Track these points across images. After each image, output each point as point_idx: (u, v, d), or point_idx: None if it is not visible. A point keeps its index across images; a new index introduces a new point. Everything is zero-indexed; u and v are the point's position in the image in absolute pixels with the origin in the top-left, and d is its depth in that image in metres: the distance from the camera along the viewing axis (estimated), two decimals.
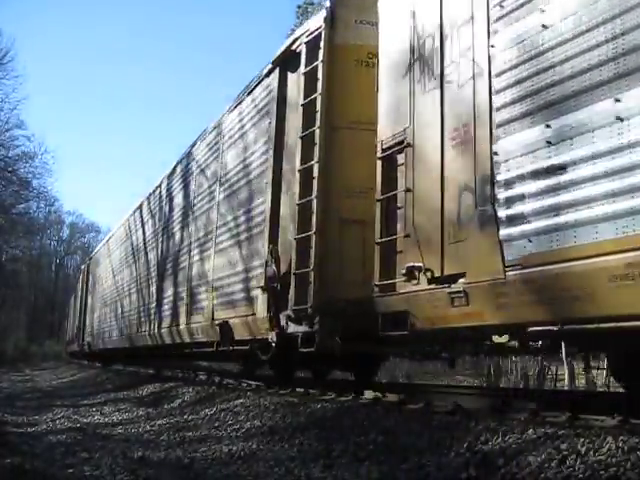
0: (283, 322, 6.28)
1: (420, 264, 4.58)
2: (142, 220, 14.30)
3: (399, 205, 5.02)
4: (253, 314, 7.02)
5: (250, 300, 7.19)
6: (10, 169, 28.87)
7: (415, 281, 4.64)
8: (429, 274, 4.53)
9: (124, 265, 15.95)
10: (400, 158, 5.08)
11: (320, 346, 5.72)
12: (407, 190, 4.87)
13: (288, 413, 5.44)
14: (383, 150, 5.28)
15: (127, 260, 15.58)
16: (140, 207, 14.73)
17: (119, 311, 15.84)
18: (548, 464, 2.87)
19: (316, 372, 8.79)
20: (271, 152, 7.03)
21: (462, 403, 4.77)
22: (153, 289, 12.37)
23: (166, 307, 11.19)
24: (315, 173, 5.98)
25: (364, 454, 3.87)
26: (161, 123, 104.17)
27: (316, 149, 6.00)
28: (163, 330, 11.19)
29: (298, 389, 7.35)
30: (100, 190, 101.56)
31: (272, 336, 6.43)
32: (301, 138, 6.27)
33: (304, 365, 8.44)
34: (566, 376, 14.47)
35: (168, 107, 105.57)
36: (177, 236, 11.06)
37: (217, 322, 8.01)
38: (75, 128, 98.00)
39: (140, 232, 14.20)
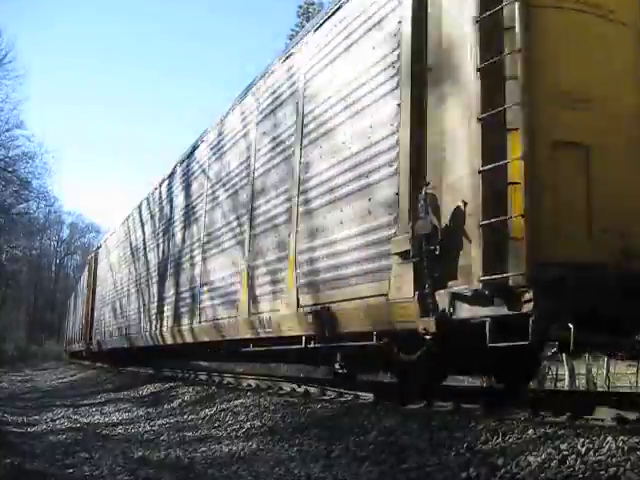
0: (444, 303, 4.13)
1: None
2: (173, 190, 11.65)
3: None
4: (382, 294, 4.73)
5: (376, 274, 4.88)
6: (10, 169, 28.91)
7: None
8: None
9: (147, 248, 13.07)
10: None
11: (538, 336, 3.62)
12: None
13: (288, 413, 5.45)
14: None
15: (150, 243, 12.81)
16: (169, 177, 12.09)
17: (138, 304, 13.15)
18: (548, 464, 2.88)
19: (429, 376, 5.98)
20: (406, 57, 4.75)
21: (462, 403, 4.78)
22: (189, 274, 9.50)
23: (214, 294, 8.38)
24: (513, 70, 3.95)
25: (364, 454, 3.87)
26: (162, 123, 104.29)
27: (510, 37, 4.03)
28: (200, 325, 8.62)
29: (298, 390, 7.38)
30: (100, 190, 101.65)
31: (429, 325, 4.23)
32: (478, 23, 4.19)
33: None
34: (566, 376, 14.49)
35: (169, 107, 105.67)
36: (226, 205, 8.36)
37: (307, 310, 5.74)
38: (75, 128, 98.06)
39: (176, 202, 11.27)
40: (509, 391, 5.67)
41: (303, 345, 5.96)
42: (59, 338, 46.50)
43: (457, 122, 4.23)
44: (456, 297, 4.05)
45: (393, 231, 4.65)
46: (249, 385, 8.74)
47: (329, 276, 5.48)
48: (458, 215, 4.09)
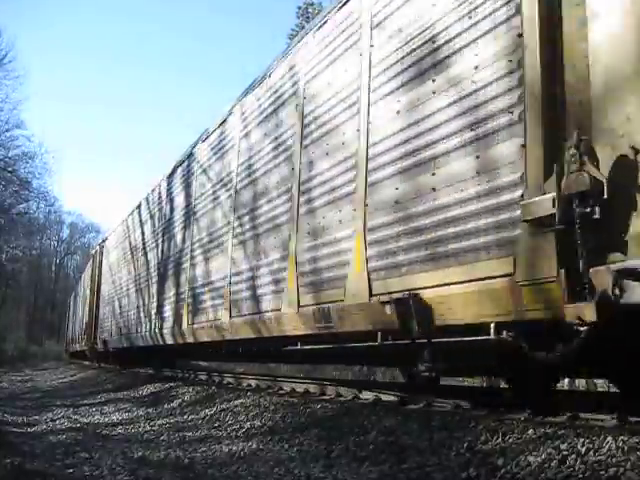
0: (605, 283, 3.13)
1: None
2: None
3: None
4: (503, 275, 3.70)
5: (492, 250, 3.82)
6: (10, 169, 28.98)
7: None
8: None
9: (164, 237, 11.68)
10: None
11: None
12: None
13: (288, 413, 5.45)
14: None
15: (170, 229, 11.34)
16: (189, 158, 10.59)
17: (151, 300, 11.81)
18: (548, 464, 2.88)
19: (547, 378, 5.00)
20: None
21: (462, 403, 4.78)
22: (227, 259, 7.81)
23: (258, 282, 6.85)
24: None
25: (364, 454, 3.87)
26: (162, 123, 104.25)
27: None
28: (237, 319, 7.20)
29: (297, 390, 7.37)
30: (100, 190, 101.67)
31: (584, 311, 3.19)
32: None
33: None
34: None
35: (169, 107, 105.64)
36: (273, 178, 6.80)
37: (385, 298, 4.59)
38: (75, 128, 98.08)
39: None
40: (626, 394, 4.71)
41: (379, 341, 4.80)
42: (59, 338, 46.55)
43: (615, 45, 3.20)
44: (627, 275, 3.07)
45: (519, 193, 3.67)
46: (249, 385, 8.74)
47: (419, 256, 4.37)
48: (626, 166, 3.11)
